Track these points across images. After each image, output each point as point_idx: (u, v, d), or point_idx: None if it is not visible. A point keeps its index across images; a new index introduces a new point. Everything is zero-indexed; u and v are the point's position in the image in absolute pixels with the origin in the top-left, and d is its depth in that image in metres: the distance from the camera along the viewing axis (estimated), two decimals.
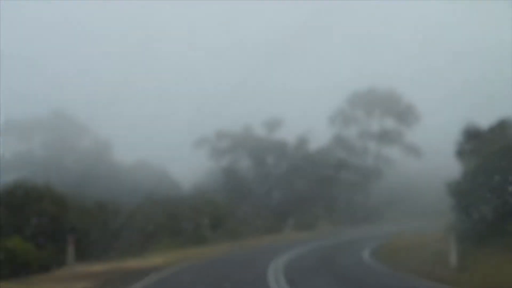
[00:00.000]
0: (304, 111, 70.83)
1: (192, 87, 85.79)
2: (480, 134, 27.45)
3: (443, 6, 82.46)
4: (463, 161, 27.64)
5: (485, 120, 28.23)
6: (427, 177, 65.99)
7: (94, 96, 78.86)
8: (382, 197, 63.34)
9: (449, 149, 64.92)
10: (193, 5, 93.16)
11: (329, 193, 61.08)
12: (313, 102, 75.38)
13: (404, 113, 63.69)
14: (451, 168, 63.37)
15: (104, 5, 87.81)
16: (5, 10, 70.12)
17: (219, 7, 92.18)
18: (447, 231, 24.53)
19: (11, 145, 65.70)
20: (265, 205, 57.48)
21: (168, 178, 63.45)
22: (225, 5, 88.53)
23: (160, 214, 40.70)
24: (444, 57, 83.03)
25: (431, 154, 65.17)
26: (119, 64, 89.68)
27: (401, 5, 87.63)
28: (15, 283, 21.29)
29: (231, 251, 35.55)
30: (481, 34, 75.55)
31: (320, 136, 64.42)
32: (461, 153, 28.04)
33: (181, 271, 24.60)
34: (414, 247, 28.20)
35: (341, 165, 63.82)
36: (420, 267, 22.13)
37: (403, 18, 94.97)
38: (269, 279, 19.73)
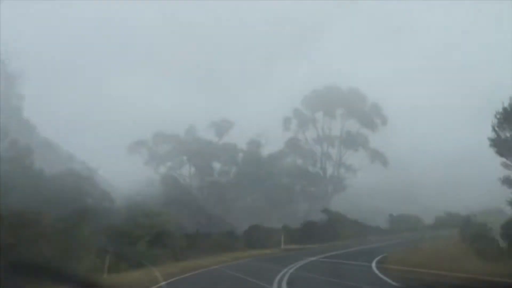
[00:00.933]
0: (260, 115, 63.73)
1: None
2: None
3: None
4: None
5: None
6: (392, 187, 59.94)
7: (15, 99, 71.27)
8: (343, 209, 56.68)
9: (415, 158, 59.71)
10: None
11: (286, 205, 53.41)
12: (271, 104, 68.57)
13: (370, 114, 56.12)
14: (417, 176, 57.75)
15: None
16: None
17: None
18: None
19: None
20: (212, 218, 49.66)
21: (97, 188, 55.68)
22: None
23: (87, 228, 32.19)
24: None
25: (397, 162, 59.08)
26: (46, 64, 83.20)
27: None
28: None
29: (177, 276, 27.32)
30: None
31: (275, 141, 56.95)
32: (497, 142, 20.80)
33: None
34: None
35: (297, 173, 56.31)
36: None
37: None
38: None
